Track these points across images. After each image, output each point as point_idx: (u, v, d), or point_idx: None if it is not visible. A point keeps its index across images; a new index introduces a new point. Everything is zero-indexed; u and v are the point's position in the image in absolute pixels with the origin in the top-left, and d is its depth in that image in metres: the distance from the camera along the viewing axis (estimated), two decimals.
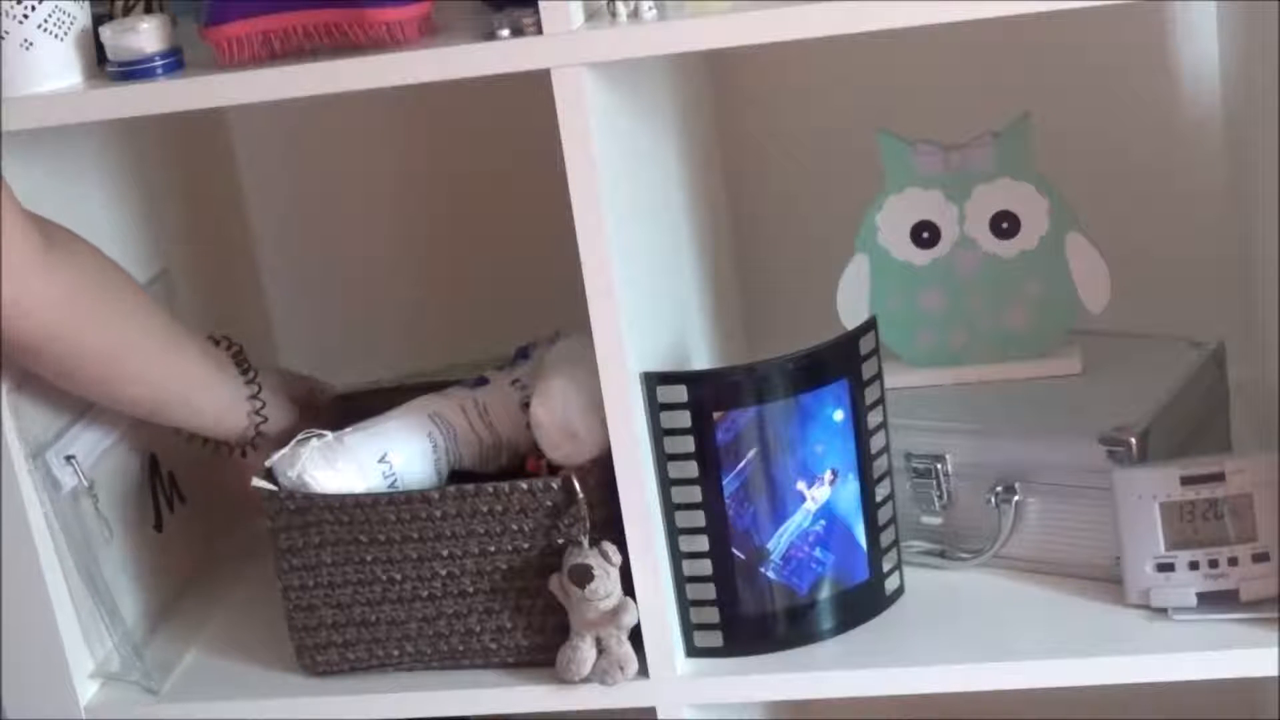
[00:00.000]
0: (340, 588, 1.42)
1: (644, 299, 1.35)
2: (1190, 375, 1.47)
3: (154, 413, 1.44)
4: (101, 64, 1.35)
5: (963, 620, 1.39)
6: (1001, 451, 1.43)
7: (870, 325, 1.38)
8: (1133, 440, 1.36)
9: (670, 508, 1.36)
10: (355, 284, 1.79)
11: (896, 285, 1.52)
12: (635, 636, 1.37)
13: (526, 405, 1.44)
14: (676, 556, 1.37)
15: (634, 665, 1.37)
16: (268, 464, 1.42)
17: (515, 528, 1.38)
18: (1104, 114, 1.65)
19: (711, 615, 1.38)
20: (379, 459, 1.41)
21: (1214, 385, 1.51)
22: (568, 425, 1.38)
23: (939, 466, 1.45)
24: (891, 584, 1.43)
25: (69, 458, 1.42)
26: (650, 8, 1.25)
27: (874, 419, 1.39)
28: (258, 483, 1.42)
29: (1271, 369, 1.47)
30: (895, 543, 1.42)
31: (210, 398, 1.45)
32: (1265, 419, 1.51)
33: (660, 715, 1.39)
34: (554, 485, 1.36)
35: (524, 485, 1.37)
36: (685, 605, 1.38)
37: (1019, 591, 1.42)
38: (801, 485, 1.36)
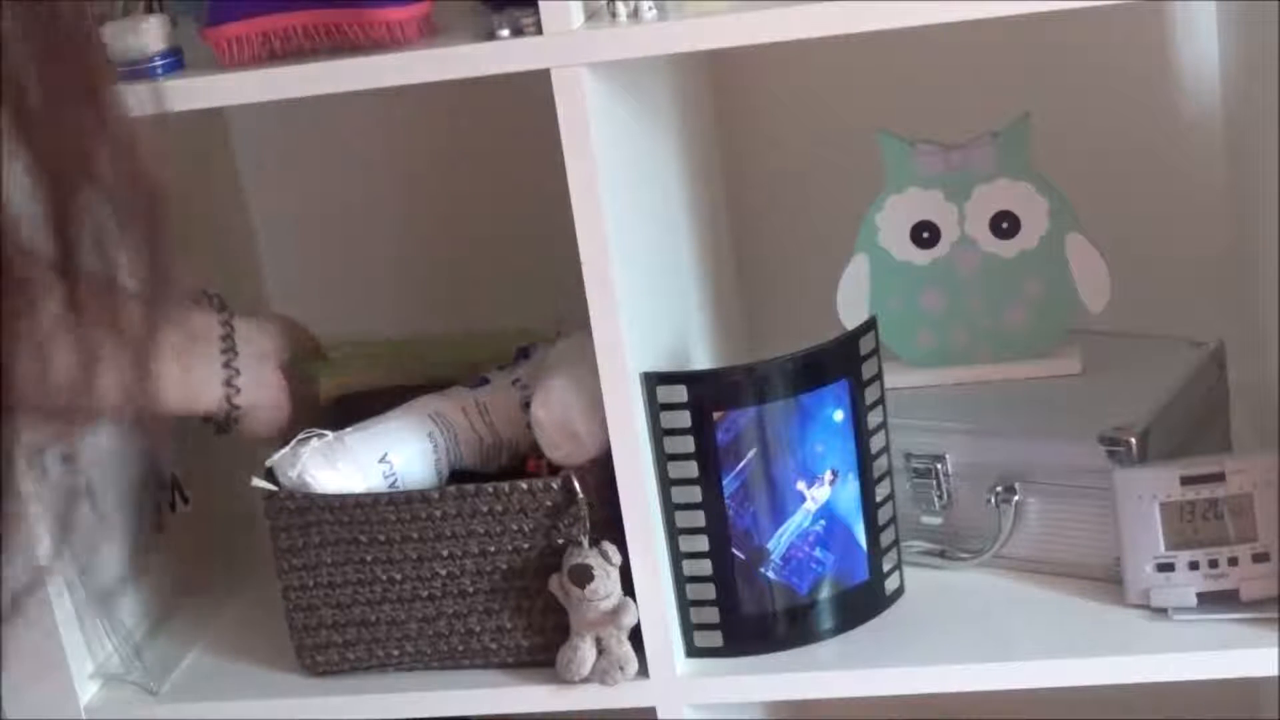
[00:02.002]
0: (340, 588, 1.42)
1: (644, 299, 1.35)
2: (1190, 375, 1.47)
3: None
4: None
5: (963, 620, 1.39)
6: (1001, 451, 1.43)
7: (870, 325, 1.38)
8: (1133, 440, 1.36)
9: (670, 508, 1.36)
10: (355, 284, 1.79)
11: (896, 285, 1.52)
12: (635, 636, 1.37)
13: (527, 405, 1.44)
14: (676, 556, 1.37)
15: (634, 665, 1.37)
16: (268, 464, 1.42)
17: (515, 528, 1.38)
18: (1104, 114, 1.65)
19: (711, 615, 1.38)
20: (379, 459, 1.41)
21: (1214, 385, 1.51)
22: (568, 425, 1.38)
23: (939, 466, 1.45)
24: (891, 584, 1.43)
25: (66, 458, 1.42)
26: (650, 8, 1.25)
27: (874, 419, 1.39)
28: (258, 483, 1.42)
29: (1271, 369, 1.47)
30: (895, 543, 1.42)
31: (182, 393, 1.42)
32: (1265, 419, 1.51)
33: (660, 715, 1.39)
34: (554, 485, 1.36)
35: (524, 485, 1.37)
36: (685, 605, 1.38)
37: (1019, 591, 1.42)
38: (801, 485, 1.36)
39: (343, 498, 1.39)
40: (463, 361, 1.54)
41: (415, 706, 1.42)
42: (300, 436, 1.42)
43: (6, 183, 0.60)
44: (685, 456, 1.34)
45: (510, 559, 1.39)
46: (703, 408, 1.33)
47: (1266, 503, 1.32)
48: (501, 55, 1.24)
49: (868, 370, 1.37)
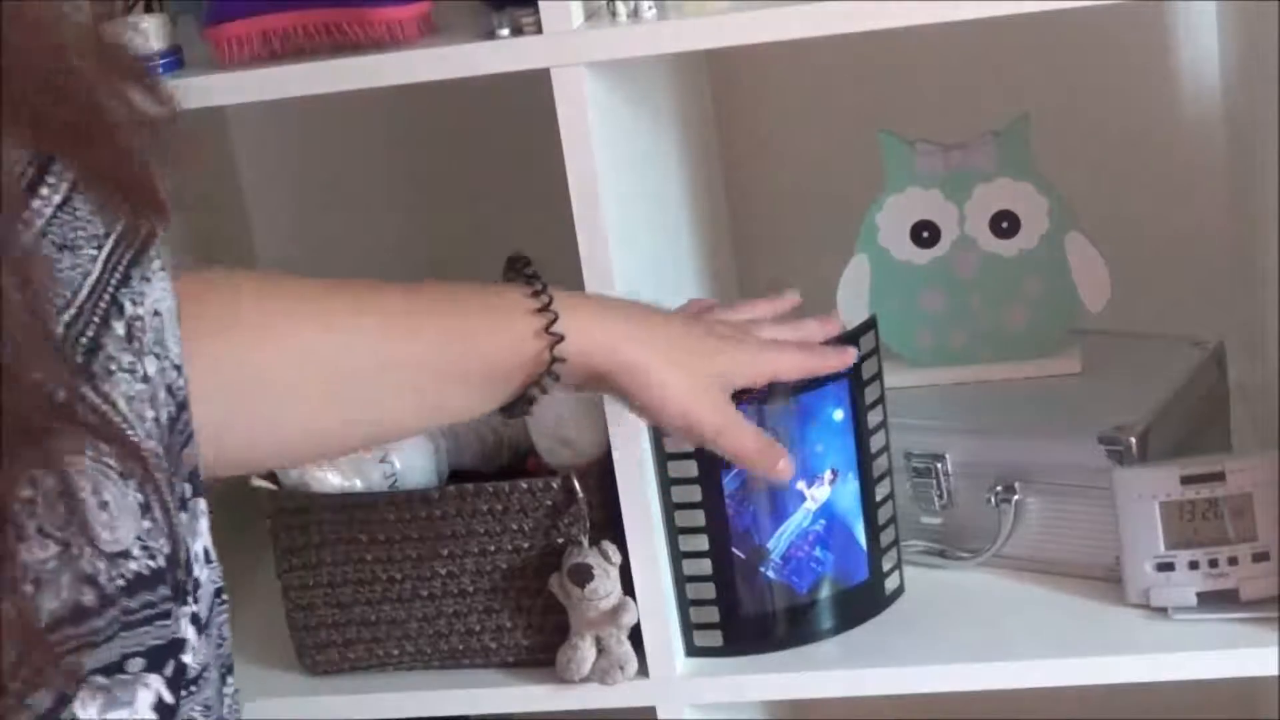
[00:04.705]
0: (340, 588, 1.42)
1: (644, 298, 1.35)
2: (1190, 375, 1.47)
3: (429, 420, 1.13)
4: None
5: (963, 620, 1.39)
6: (1001, 451, 1.43)
7: (870, 325, 1.38)
8: (1133, 440, 1.36)
9: (670, 508, 1.36)
10: None
11: (896, 285, 1.52)
12: (635, 636, 1.37)
13: None
14: (676, 556, 1.37)
15: (634, 665, 1.37)
16: None
17: (515, 528, 1.38)
18: (1104, 114, 1.65)
19: (711, 615, 1.38)
20: (379, 459, 1.41)
21: (1214, 385, 1.51)
22: (559, 433, 1.38)
23: (939, 466, 1.45)
24: (891, 584, 1.42)
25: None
26: (650, 7, 1.25)
27: (874, 418, 1.39)
28: (258, 482, 1.42)
29: (1271, 369, 1.47)
30: (895, 542, 1.42)
31: (488, 358, 1.01)
32: (1265, 419, 1.51)
33: (660, 715, 1.39)
34: (554, 485, 1.36)
35: (524, 485, 1.37)
36: (685, 605, 1.38)
37: (1019, 591, 1.42)
38: (801, 485, 1.36)
39: (343, 498, 1.39)
40: None
41: (415, 706, 1.42)
42: None
43: None
44: (685, 456, 1.34)
45: (510, 559, 1.39)
46: None
47: (1266, 502, 1.32)
48: (501, 55, 1.24)
49: (868, 370, 1.37)
